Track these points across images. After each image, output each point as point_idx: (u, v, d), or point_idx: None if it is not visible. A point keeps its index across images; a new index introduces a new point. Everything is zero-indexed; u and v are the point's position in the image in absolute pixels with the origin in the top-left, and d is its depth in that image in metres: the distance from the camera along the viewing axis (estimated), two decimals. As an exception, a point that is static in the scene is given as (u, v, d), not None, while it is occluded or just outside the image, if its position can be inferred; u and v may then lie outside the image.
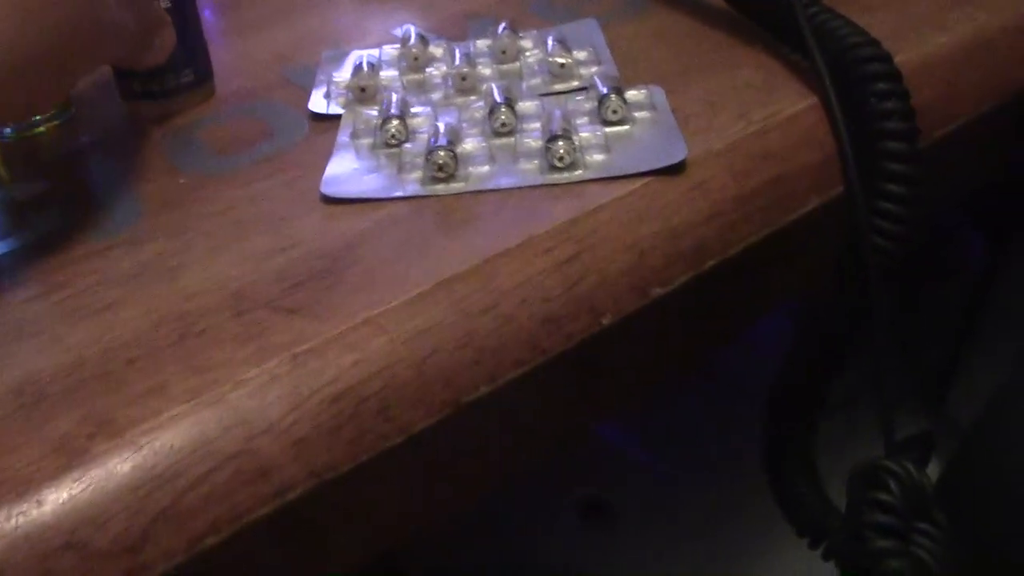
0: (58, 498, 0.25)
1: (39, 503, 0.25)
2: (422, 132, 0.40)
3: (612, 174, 0.37)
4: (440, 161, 0.37)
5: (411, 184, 0.37)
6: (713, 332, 0.41)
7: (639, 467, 0.76)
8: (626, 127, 0.40)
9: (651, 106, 0.41)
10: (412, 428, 0.29)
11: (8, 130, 0.47)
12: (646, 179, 0.37)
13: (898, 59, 0.41)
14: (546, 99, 0.43)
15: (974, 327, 0.70)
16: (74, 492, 0.25)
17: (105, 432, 0.27)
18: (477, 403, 0.31)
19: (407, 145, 0.40)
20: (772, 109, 0.41)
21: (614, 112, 0.40)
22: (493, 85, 0.42)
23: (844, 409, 0.67)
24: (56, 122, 0.47)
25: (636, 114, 0.40)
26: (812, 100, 0.41)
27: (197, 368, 0.29)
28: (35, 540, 0.24)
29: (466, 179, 0.37)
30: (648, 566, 0.71)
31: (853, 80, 0.39)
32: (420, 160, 0.38)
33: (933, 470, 0.76)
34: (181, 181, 0.41)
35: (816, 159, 0.40)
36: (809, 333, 0.46)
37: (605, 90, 0.40)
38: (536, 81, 0.44)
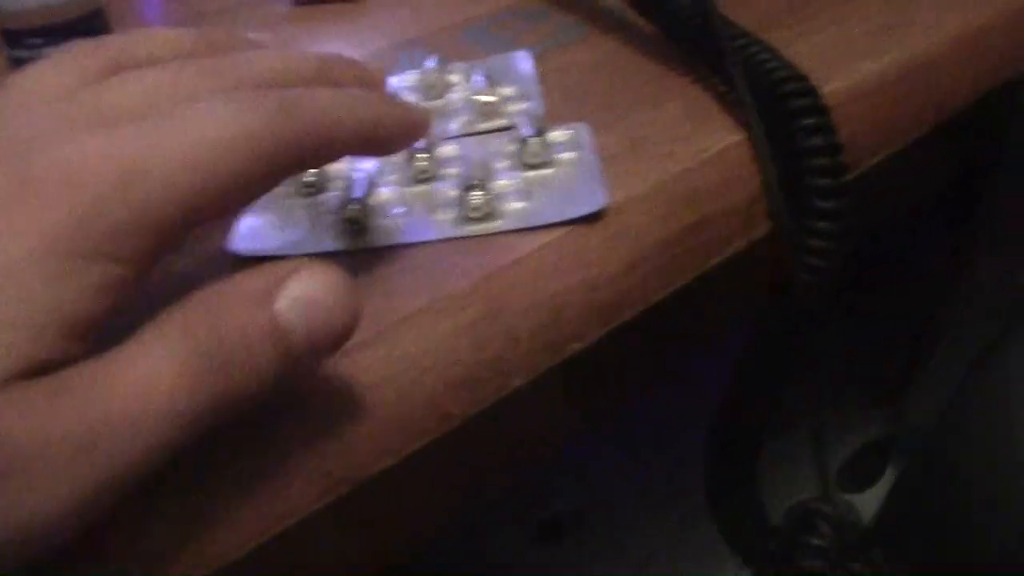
0: None
1: None
2: (339, 178, 0.39)
3: (530, 224, 0.36)
4: (352, 216, 0.36)
5: (325, 240, 0.36)
6: (639, 378, 0.40)
7: (606, 475, 0.75)
8: (548, 171, 0.39)
9: (576, 146, 0.40)
10: (303, 511, 0.28)
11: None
12: (565, 228, 0.36)
13: (828, 88, 0.40)
14: (469, 140, 0.42)
15: (930, 332, 0.69)
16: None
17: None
18: (378, 477, 0.30)
19: (320, 196, 0.38)
20: (700, 146, 0.40)
21: (535, 155, 0.38)
22: (414, 128, 0.41)
23: (790, 430, 0.67)
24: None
25: (560, 156, 0.39)
26: (741, 136, 0.40)
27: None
28: None
29: (378, 232, 0.36)
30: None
31: (780, 115, 0.39)
32: (334, 212, 0.37)
33: (889, 476, 0.75)
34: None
35: (743, 197, 0.39)
36: (746, 360, 0.46)
37: (527, 132, 0.39)
38: (461, 120, 0.43)
